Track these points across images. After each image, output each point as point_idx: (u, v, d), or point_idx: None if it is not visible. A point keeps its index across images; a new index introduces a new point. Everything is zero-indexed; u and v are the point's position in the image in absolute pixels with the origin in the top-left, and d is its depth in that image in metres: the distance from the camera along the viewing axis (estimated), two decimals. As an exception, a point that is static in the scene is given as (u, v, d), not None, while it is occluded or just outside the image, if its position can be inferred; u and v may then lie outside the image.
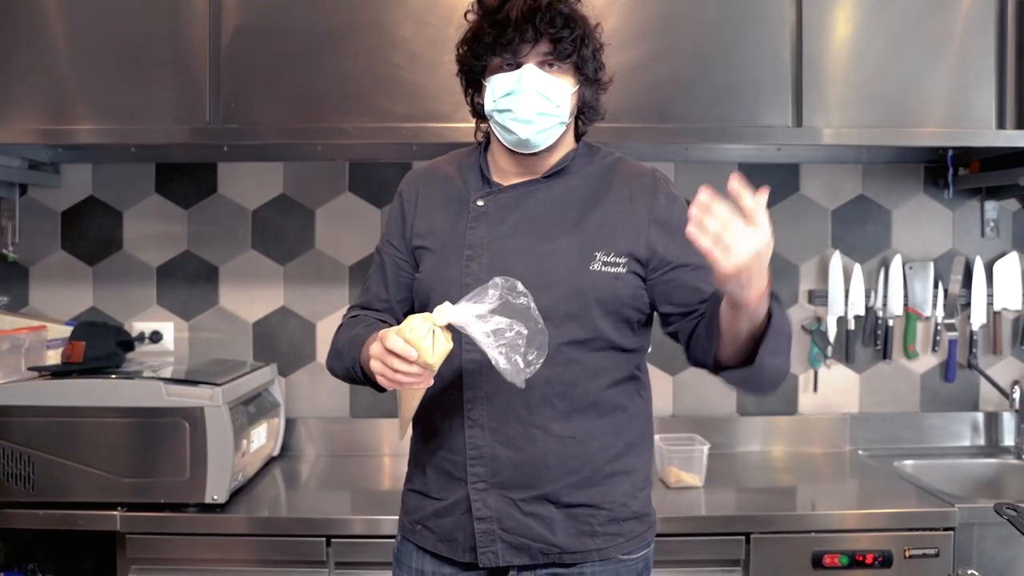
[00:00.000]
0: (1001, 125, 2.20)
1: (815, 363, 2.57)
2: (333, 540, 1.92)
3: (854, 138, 2.19)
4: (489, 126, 1.43)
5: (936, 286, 2.56)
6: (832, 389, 2.58)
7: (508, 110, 1.36)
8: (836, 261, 2.53)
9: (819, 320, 2.56)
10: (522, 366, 1.20)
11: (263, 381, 2.29)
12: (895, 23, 2.18)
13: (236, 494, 2.06)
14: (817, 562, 1.92)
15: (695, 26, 2.16)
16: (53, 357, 2.19)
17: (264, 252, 2.54)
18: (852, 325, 2.55)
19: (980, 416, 2.57)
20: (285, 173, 2.53)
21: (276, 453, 2.41)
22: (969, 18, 2.19)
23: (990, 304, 2.56)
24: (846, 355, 2.56)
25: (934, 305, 2.55)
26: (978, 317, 2.54)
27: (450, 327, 1.24)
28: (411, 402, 1.33)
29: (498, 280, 1.21)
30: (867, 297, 2.55)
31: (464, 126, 2.06)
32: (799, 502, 2.14)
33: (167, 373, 2.11)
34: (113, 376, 2.01)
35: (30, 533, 2.08)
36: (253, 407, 2.18)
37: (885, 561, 1.92)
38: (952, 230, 2.59)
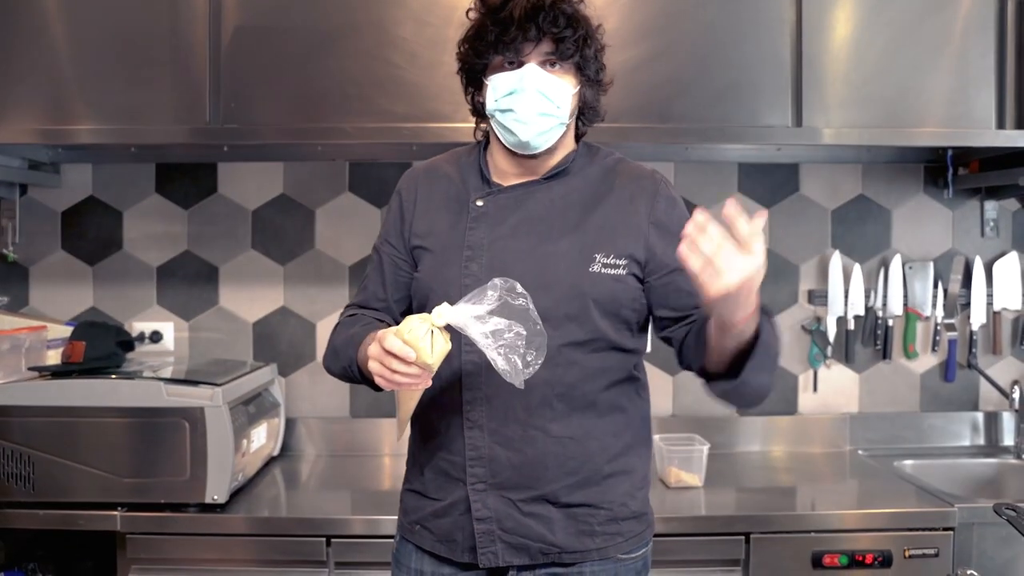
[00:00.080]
0: (1001, 125, 2.20)
1: (815, 363, 2.57)
2: (333, 540, 1.93)
3: (854, 138, 2.19)
4: (489, 125, 1.43)
5: (936, 286, 2.56)
6: (832, 389, 2.58)
7: (510, 110, 1.36)
8: (836, 261, 2.53)
9: (819, 320, 2.56)
10: (521, 367, 1.20)
11: (263, 381, 2.29)
12: (895, 23, 2.18)
13: (236, 494, 2.06)
14: (817, 562, 1.93)
15: (695, 26, 2.16)
16: (53, 357, 2.19)
17: (264, 252, 2.54)
18: (852, 325, 2.55)
19: (980, 416, 2.57)
20: (285, 173, 2.53)
21: (276, 453, 2.41)
22: (969, 18, 2.20)
23: (990, 304, 2.56)
24: (846, 355, 2.56)
25: (934, 305, 2.55)
26: (978, 317, 2.55)
27: (449, 328, 1.23)
28: (409, 403, 1.33)
29: (497, 281, 1.21)
30: (867, 297, 2.55)
31: (464, 126, 2.06)
32: (799, 502, 2.14)
33: (167, 373, 2.11)
34: (113, 376, 2.01)
35: (30, 533, 2.09)
36: (253, 407, 2.18)
37: (885, 561, 1.92)
38: (952, 230, 2.59)
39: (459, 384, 1.38)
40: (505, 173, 1.45)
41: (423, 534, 1.43)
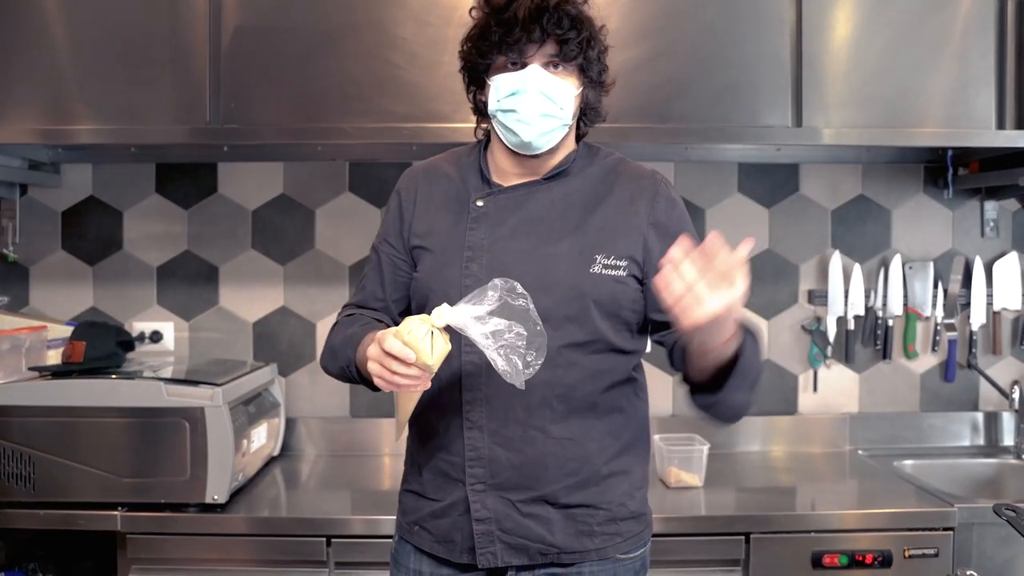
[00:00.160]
0: (1001, 125, 2.20)
1: (815, 363, 2.57)
2: (333, 540, 1.93)
3: (854, 138, 2.19)
4: (491, 125, 1.43)
5: (936, 286, 2.56)
6: (832, 389, 2.58)
7: (512, 110, 1.36)
8: (836, 261, 2.53)
9: (819, 320, 2.57)
10: (521, 367, 1.20)
11: (263, 381, 2.29)
12: (895, 23, 2.18)
13: (236, 494, 2.06)
14: (817, 562, 1.93)
15: (695, 26, 2.16)
16: (53, 357, 2.19)
17: (264, 252, 2.54)
18: (852, 325, 2.55)
19: (980, 416, 2.57)
20: (285, 173, 2.53)
21: (276, 453, 2.41)
22: (969, 18, 2.20)
23: (990, 304, 2.56)
24: (846, 355, 2.56)
25: (934, 305, 2.55)
26: (978, 317, 2.55)
27: (448, 329, 1.23)
28: (408, 404, 1.33)
29: (497, 281, 1.21)
30: (867, 297, 2.55)
31: (464, 126, 2.07)
32: (799, 502, 2.15)
33: (167, 373, 2.11)
34: (113, 376, 2.01)
35: (30, 533, 2.09)
36: (253, 407, 2.18)
37: (885, 561, 1.93)
38: (952, 230, 2.59)
39: (459, 385, 1.37)
40: (506, 173, 1.45)
41: (422, 535, 1.43)
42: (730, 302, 1.11)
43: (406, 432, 1.48)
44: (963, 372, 2.58)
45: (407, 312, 1.46)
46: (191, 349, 2.53)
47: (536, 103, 1.35)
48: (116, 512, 1.93)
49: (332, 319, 1.53)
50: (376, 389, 1.32)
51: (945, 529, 1.95)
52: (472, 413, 1.37)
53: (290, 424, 2.48)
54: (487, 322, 1.20)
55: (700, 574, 1.94)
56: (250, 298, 2.54)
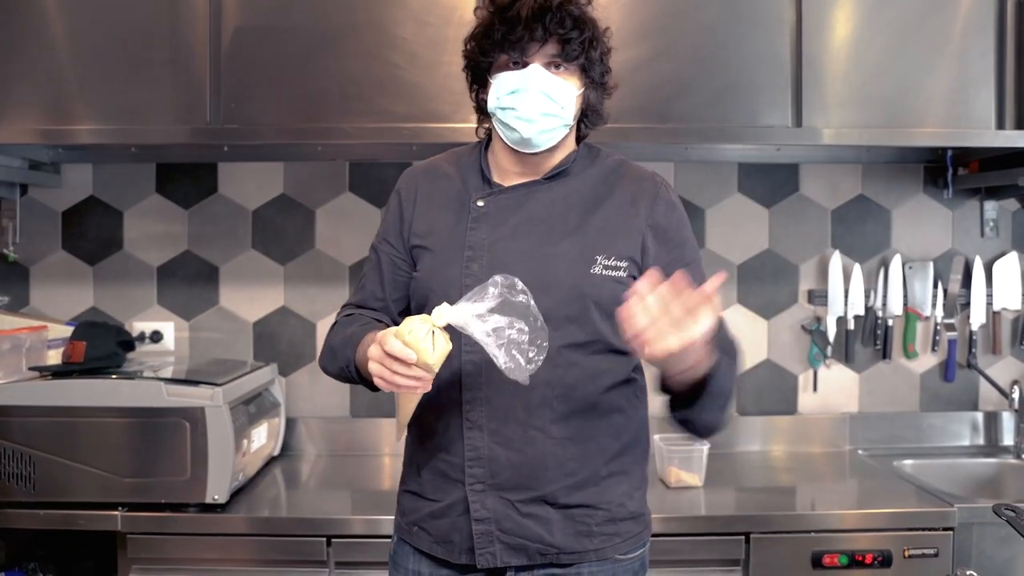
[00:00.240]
0: (1000, 125, 2.20)
1: (815, 363, 2.57)
2: (333, 540, 1.93)
3: (854, 138, 2.19)
4: (491, 124, 1.43)
5: (936, 286, 2.56)
6: (832, 389, 2.58)
7: (512, 108, 1.36)
8: (836, 261, 2.53)
9: (819, 320, 2.57)
10: (524, 363, 1.20)
11: (263, 381, 2.29)
12: (895, 23, 2.18)
13: (237, 494, 2.06)
14: (817, 562, 1.93)
15: (695, 26, 2.16)
16: (54, 357, 2.19)
17: (264, 252, 2.54)
18: (852, 325, 2.55)
19: (979, 416, 2.57)
20: (285, 173, 2.53)
21: (276, 453, 2.41)
22: (969, 18, 2.20)
23: (989, 304, 2.56)
24: (846, 355, 2.56)
25: (933, 305, 2.55)
26: (977, 317, 2.55)
27: (449, 328, 1.23)
28: (409, 405, 1.33)
29: (498, 278, 1.21)
30: (867, 297, 2.55)
31: (464, 126, 2.08)
32: (799, 502, 2.15)
33: (167, 373, 2.11)
34: (114, 376, 2.01)
35: (31, 533, 2.09)
36: (253, 407, 2.18)
37: (884, 561, 1.93)
38: (952, 230, 2.59)
39: (459, 385, 1.37)
40: (506, 172, 1.45)
41: (420, 535, 1.43)
42: (691, 340, 1.11)
43: (406, 433, 1.48)
44: (963, 372, 2.58)
45: (407, 312, 1.46)
46: (191, 349, 2.53)
47: (537, 102, 1.35)
48: (116, 512, 1.93)
49: (332, 319, 1.53)
50: (375, 389, 1.32)
51: (945, 529, 1.95)
52: (472, 413, 1.37)
53: (290, 424, 2.48)
54: (488, 319, 1.20)
55: (700, 574, 1.94)
56: (250, 298, 2.54)
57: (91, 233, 2.52)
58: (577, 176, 1.45)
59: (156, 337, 2.50)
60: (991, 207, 2.57)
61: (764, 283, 2.56)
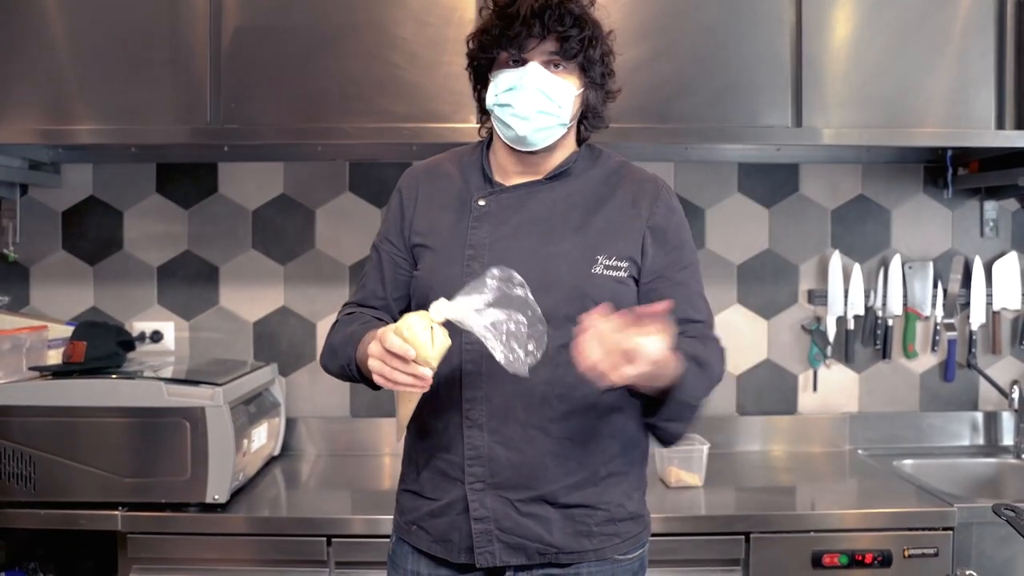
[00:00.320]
0: (1000, 125, 2.20)
1: (815, 363, 2.57)
2: (333, 540, 1.93)
3: (854, 138, 2.19)
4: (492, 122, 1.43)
5: (935, 286, 2.56)
6: (832, 389, 2.58)
7: (508, 105, 1.36)
8: (836, 261, 2.53)
9: (819, 320, 2.57)
10: (523, 356, 1.20)
11: (263, 381, 2.29)
12: (895, 23, 2.19)
13: (237, 494, 2.06)
14: (816, 561, 1.93)
15: (695, 26, 2.16)
16: (54, 357, 2.19)
17: (264, 252, 2.54)
18: (852, 325, 2.55)
19: (979, 416, 2.57)
20: (285, 173, 2.53)
21: (276, 453, 2.41)
22: (969, 18, 2.20)
23: (989, 304, 2.56)
24: (845, 355, 2.56)
25: (933, 305, 2.55)
26: (977, 317, 2.55)
27: (449, 325, 1.24)
28: (408, 404, 1.33)
29: (494, 271, 1.21)
30: (866, 297, 2.55)
31: (464, 126, 2.08)
32: (799, 502, 2.15)
33: (168, 373, 2.11)
34: (114, 376, 2.01)
35: (31, 533, 2.09)
36: (254, 407, 2.18)
37: (884, 561, 1.93)
38: (951, 230, 2.59)
39: (459, 383, 1.38)
40: (507, 171, 1.45)
41: (419, 534, 1.43)
42: (636, 376, 1.14)
43: (406, 433, 1.49)
44: (963, 372, 2.58)
45: (407, 311, 1.46)
46: (191, 349, 2.53)
47: (532, 99, 1.35)
48: (117, 512, 1.93)
49: (332, 319, 1.53)
50: (377, 388, 1.33)
51: (945, 529, 1.95)
52: (472, 412, 1.37)
53: (290, 424, 2.48)
54: (485, 313, 1.20)
55: (700, 574, 1.94)
56: (250, 298, 2.54)
57: (91, 233, 2.53)
58: (579, 177, 1.45)
59: (156, 337, 2.50)
60: (991, 207, 2.57)
61: (764, 283, 2.56)
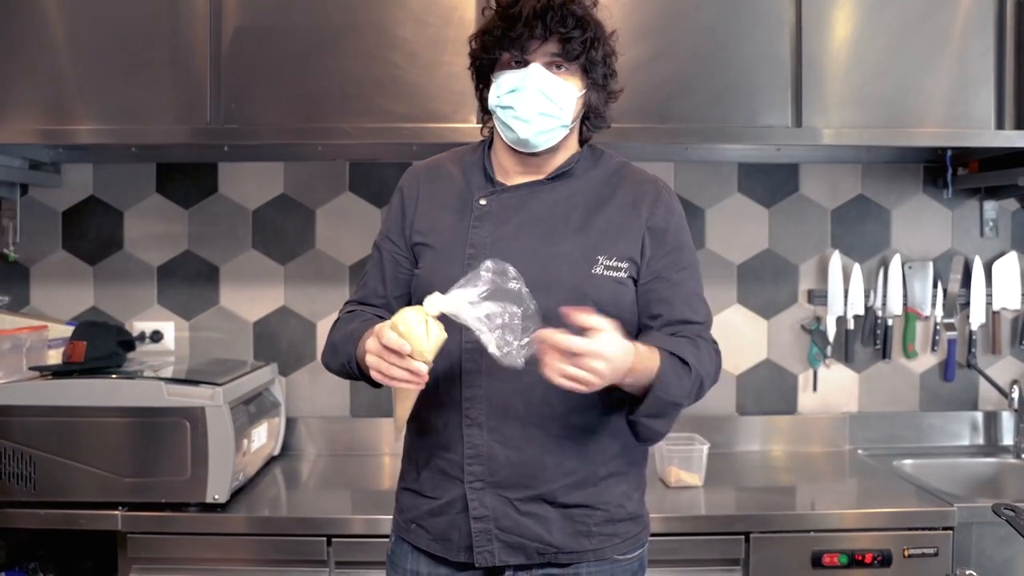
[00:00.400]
0: (1000, 125, 2.20)
1: (814, 363, 2.57)
2: (333, 540, 1.93)
3: (854, 138, 2.19)
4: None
5: (935, 286, 2.56)
6: (831, 389, 2.58)
7: (510, 107, 1.37)
8: (835, 261, 2.53)
9: (818, 320, 2.57)
10: (516, 347, 1.20)
11: (263, 381, 2.29)
12: (895, 23, 2.19)
13: (237, 494, 2.06)
14: (816, 561, 1.93)
15: (695, 26, 2.16)
16: (54, 357, 2.19)
17: (264, 252, 2.54)
18: (851, 325, 2.55)
19: (979, 415, 2.57)
20: (285, 173, 2.53)
21: (276, 452, 2.41)
22: (969, 18, 2.20)
23: (989, 304, 2.56)
24: (845, 355, 2.56)
25: (933, 305, 2.56)
26: (977, 317, 2.55)
27: (443, 318, 1.24)
28: (406, 402, 1.33)
29: (489, 263, 1.21)
30: (866, 297, 2.55)
31: (464, 126, 2.08)
32: (799, 501, 2.15)
33: (168, 373, 2.11)
34: (114, 376, 2.01)
35: (31, 532, 2.09)
36: (254, 407, 2.18)
37: (884, 560, 1.93)
38: (951, 230, 2.59)
39: (458, 382, 1.38)
40: (508, 171, 1.45)
41: (419, 533, 1.43)
42: (607, 371, 1.19)
43: (404, 431, 1.49)
44: (962, 372, 2.58)
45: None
46: (191, 349, 2.53)
47: (535, 101, 1.35)
48: (117, 512, 1.93)
49: (332, 318, 1.54)
50: (377, 385, 1.33)
51: (944, 529, 1.95)
52: (472, 410, 1.37)
53: (290, 424, 2.48)
54: (480, 306, 1.20)
55: (700, 574, 1.94)
56: (250, 298, 2.54)
57: (91, 233, 2.53)
58: (580, 177, 1.45)
59: (156, 337, 2.50)
60: (991, 207, 2.57)
61: (764, 283, 2.56)
